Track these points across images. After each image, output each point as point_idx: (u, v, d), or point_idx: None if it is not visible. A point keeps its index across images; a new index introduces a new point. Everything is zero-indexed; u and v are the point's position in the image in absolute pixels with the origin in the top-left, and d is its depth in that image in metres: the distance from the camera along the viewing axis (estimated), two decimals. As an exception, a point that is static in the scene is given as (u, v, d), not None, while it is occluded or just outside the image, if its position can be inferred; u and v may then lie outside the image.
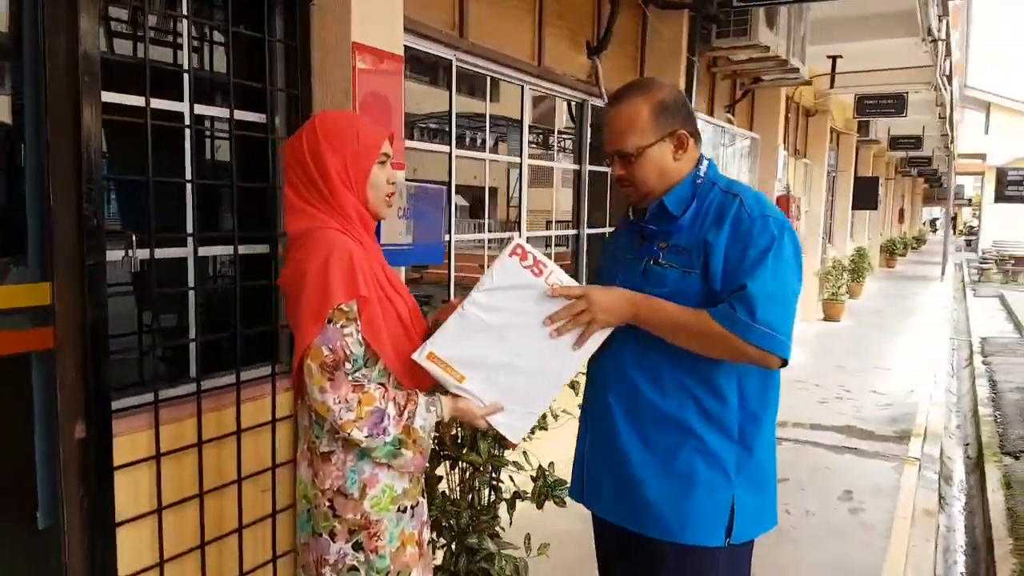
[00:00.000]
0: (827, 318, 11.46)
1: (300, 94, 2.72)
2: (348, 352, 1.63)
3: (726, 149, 7.33)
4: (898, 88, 11.35)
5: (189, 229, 2.45)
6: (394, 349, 1.72)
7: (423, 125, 4.43)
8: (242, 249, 2.59)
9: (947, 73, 10.77)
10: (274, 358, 2.73)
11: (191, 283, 2.48)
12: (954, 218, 26.94)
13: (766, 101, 8.85)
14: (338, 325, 1.62)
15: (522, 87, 4.64)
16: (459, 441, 2.69)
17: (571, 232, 5.61)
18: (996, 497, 4.78)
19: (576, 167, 5.54)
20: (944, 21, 7.39)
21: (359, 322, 1.65)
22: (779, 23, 6.53)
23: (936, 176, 29.51)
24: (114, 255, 2.20)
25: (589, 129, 5.45)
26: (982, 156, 31.22)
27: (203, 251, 2.53)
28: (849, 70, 9.62)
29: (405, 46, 2.97)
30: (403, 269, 3.11)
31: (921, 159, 23.57)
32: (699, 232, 1.65)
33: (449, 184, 3.95)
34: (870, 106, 12.08)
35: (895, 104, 11.96)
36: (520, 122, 4.74)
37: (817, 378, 7.52)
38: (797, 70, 7.27)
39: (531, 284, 1.65)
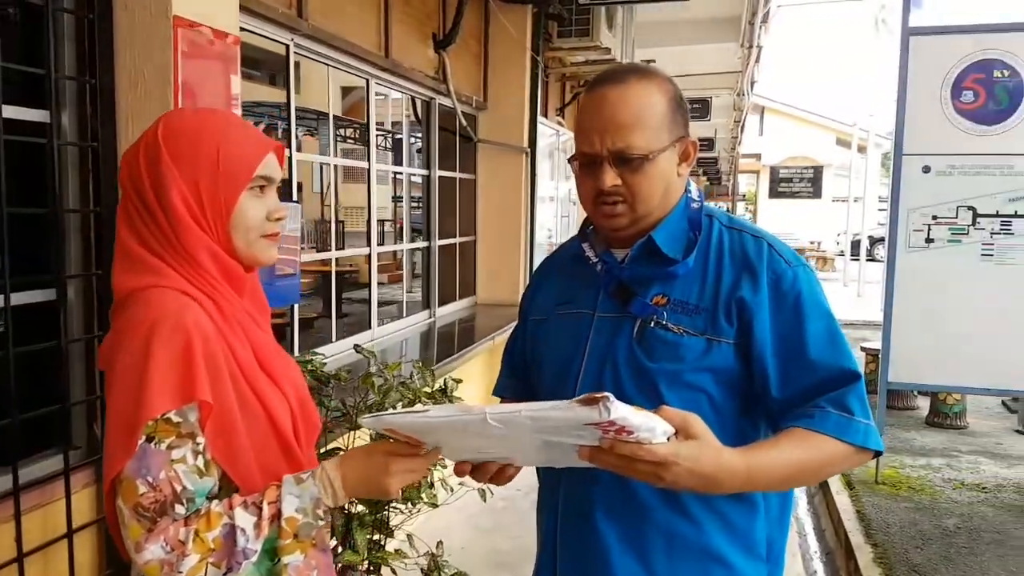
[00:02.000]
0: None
1: (97, 84, 2.00)
2: (179, 488, 1.04)
3: (561, 154, 7.11)
4: (704, 93, 11.86)
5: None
6: (262, 472, 1.13)
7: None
8: (18, 298, 1.86)
9: (753, 79, 11.40)
10: (67, 443, 2.00)
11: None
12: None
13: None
14: (163, 446, 1.04)
15: (367, 81, 4.02)
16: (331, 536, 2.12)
17: (422, 244, 5.06)
18: (842, 499, 4.84)
19: (425, 172, 5.00)
20: (762, 29, 7.67)
21: (200, 438, 1.06)
22: (616, 24, 6.39)
23: (718, 175, 31.83)
24: None
25: (438, 131, 4.94)
26: (757, 156, 34.23)
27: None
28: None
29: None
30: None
31: (709, 159, 25.23)
32: (718, 283, 1.21)
33: (291, 195, 3.26)
34: (678, 110, 12.54)
35: (700, 108, 12.54)
36: (369, 122, 4.12)
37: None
38: (629, 73, 7.17)
39: (589, 434, 0.99)
